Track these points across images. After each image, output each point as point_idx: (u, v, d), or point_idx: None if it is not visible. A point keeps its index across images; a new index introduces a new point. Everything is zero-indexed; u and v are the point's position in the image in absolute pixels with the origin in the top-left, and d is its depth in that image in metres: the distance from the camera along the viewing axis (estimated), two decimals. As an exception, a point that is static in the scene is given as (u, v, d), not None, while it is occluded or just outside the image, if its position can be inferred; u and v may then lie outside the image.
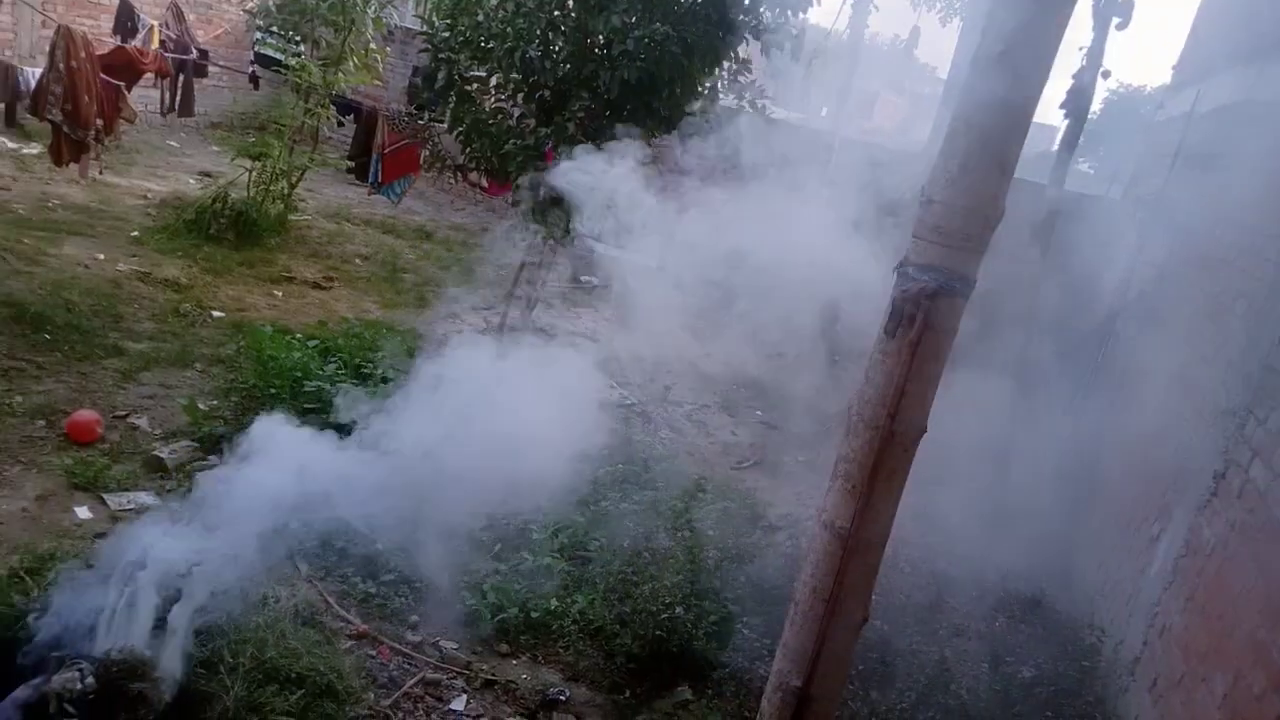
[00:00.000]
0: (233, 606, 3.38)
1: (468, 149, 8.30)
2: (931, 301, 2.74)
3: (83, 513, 5.08)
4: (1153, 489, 5.72)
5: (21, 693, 2.90)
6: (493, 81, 8.38)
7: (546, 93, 8.01)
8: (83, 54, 8.66)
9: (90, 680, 2.95)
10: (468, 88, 8.22)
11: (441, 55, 8.01)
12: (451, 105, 8.16)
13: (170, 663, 3.04)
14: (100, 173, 11.08)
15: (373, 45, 11.42)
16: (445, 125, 8.75)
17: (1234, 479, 4.58)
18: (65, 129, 8.79)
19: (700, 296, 10.46)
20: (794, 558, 5.74)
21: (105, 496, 5.26)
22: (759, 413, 9.05)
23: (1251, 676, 3.74)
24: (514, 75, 7.94)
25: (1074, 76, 8.04)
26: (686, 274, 9.76)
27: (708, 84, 8.44)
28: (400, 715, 4.00)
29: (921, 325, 2.76)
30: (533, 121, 8.18)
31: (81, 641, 3.09)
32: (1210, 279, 5.82)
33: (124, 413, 6.24)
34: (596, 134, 7.91)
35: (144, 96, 12.96)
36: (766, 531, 6.33)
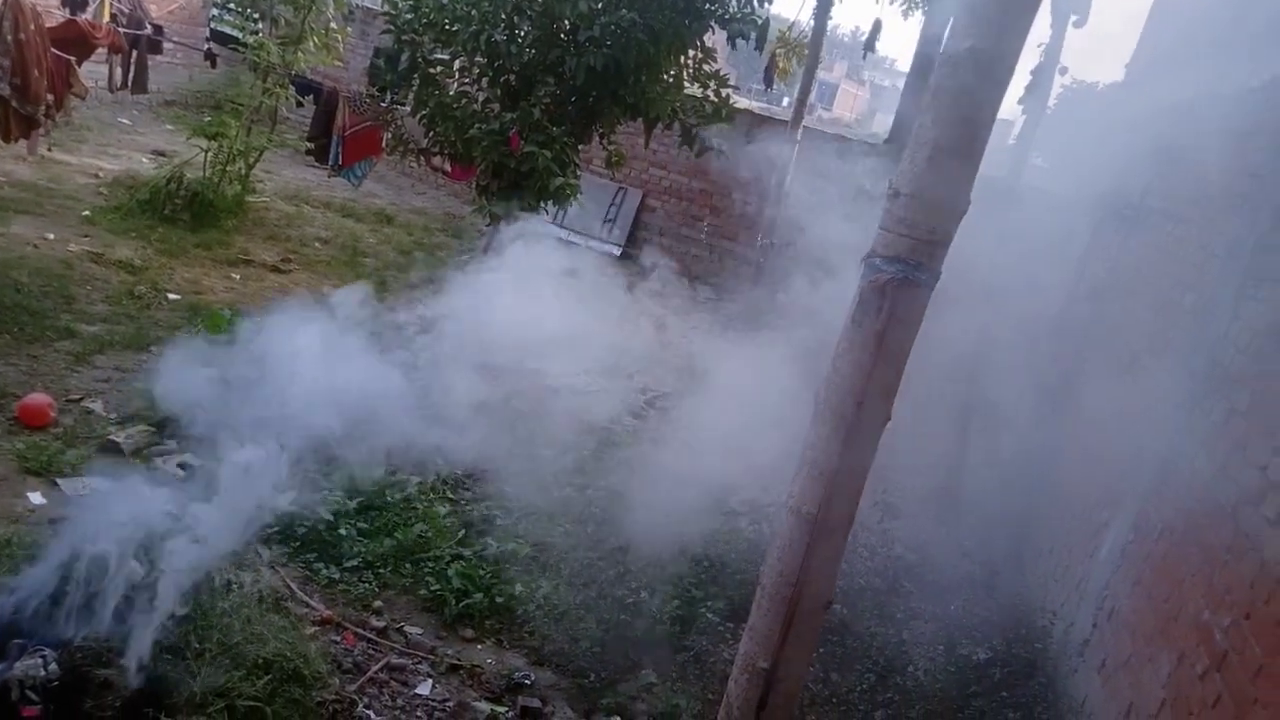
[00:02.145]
0: (198, 592, 3.35)
1: (431, 133, 8.23)
2: (898, 292, 2.80)
3: (36, 498, 4.98)
4: (1103, 476, 5.89)
5: (-18, 680, 2.86)
6: (457, 65, 8.31)
7: (512, 77, 7.98)
8: (32, 26, 8.42)
9: (54, 667, 2.90)
10: (432, 71, 8.15)
11: (405, 37, 7.93)
12: (415, 88, 8.09)
13: (136, 648, 3.00)
14: (49, 149, 10.80)
15: (333, 25, 11.24)
16: (408, 108, 8.67)
17: (1180, 467, 4.74)
18: (14, 104, 8.55)
19: (668, 284, 10.52)
20: (755, 543, 5.83)
21: (59, 481, 5.16)
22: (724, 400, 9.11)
23: (1194, 657, 3.89)
24: (479, 59, 7.90)
25: (1031, 72, 8.20)
26: (652, 260, 9.80)
27: (673, 72, 8.46)
28: (366, 700, 4.00)
29: (887, 315, 2.82)
30: (497, 106, 8.14)
31: (44, 628, 3.04)
32: (1160, 272, 5.99)
33: (77, 396, 6.11)
34: (562, 120, 7.90)
35: (94, 72, 12.62)
36: (729, 517, 6.40)
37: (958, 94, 2.73)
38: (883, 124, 30.28)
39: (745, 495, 6.69)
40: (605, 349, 9.57)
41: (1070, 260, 8.62)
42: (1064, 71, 8.65)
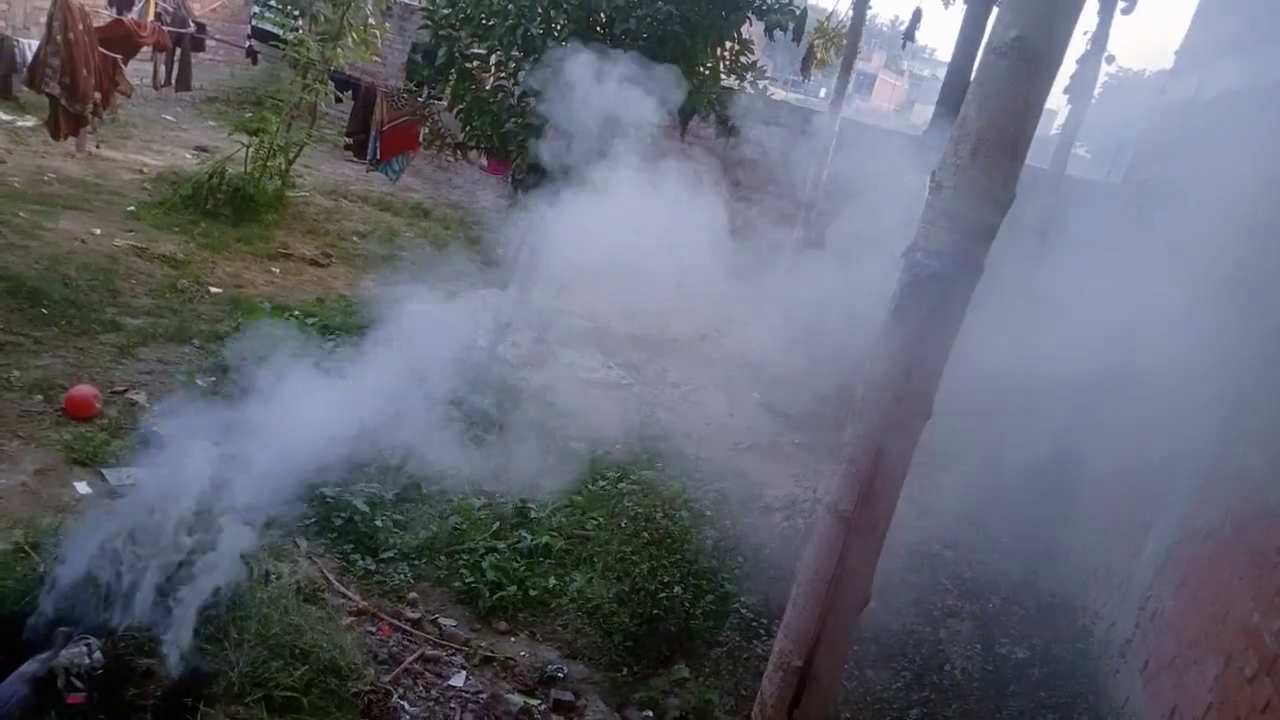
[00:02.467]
0: (237, 582, 3.40)
1: (468, 127, 8.26)
2: (939, 286, 2.74)
3: (82, 488, 5.08)
4: (1146, 475, 5.76)
5: (29, 666, 2.92)
6: (493, 59, 8.32)
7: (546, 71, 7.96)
8: (80, 26, 8.59)
9: (98, 655, 2.96)
10: (468, 65, 8.16)
11: (442, 32, 7.95)
12: (452, 83, 8.11)
13: (177, 638, 3.05)
14: (96, 146, 11.02)
15: (371, 21, 11.34)
16: (445, 103, 8.71)
17: (1229, 465, 4.62)
18: (63, 102, 8.74)
19: (701, 279, 10.46)
20: (790, 538, 5.78)
21: (104, 472, 5.27)
22: (756, 394, 9.08)
23: (1243, 660, 3.79)
24: (515, 53, 7.89)
25: (1078, 61, 8.02)
26: (689, 255, 9.76)
27: (709, 64, 8.40)
28: (401, 690, 4.04)
29: (929, 310, 2.77)
30: (534, 100, 8.14)
31: (90, 616, 3.11)
32: (1209, 265, 5.84)
33: (122, 388, 6.23)
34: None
35: (139, 70, 12.86)
36: (763, 512, 6.36)
37: (1003, 85, 2.67)
38: (922, 114, 29.88)
39: (781, 490, 6.65)
40: (639, 341, 9.58)
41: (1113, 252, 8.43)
42: (1111, 60, 8.46)
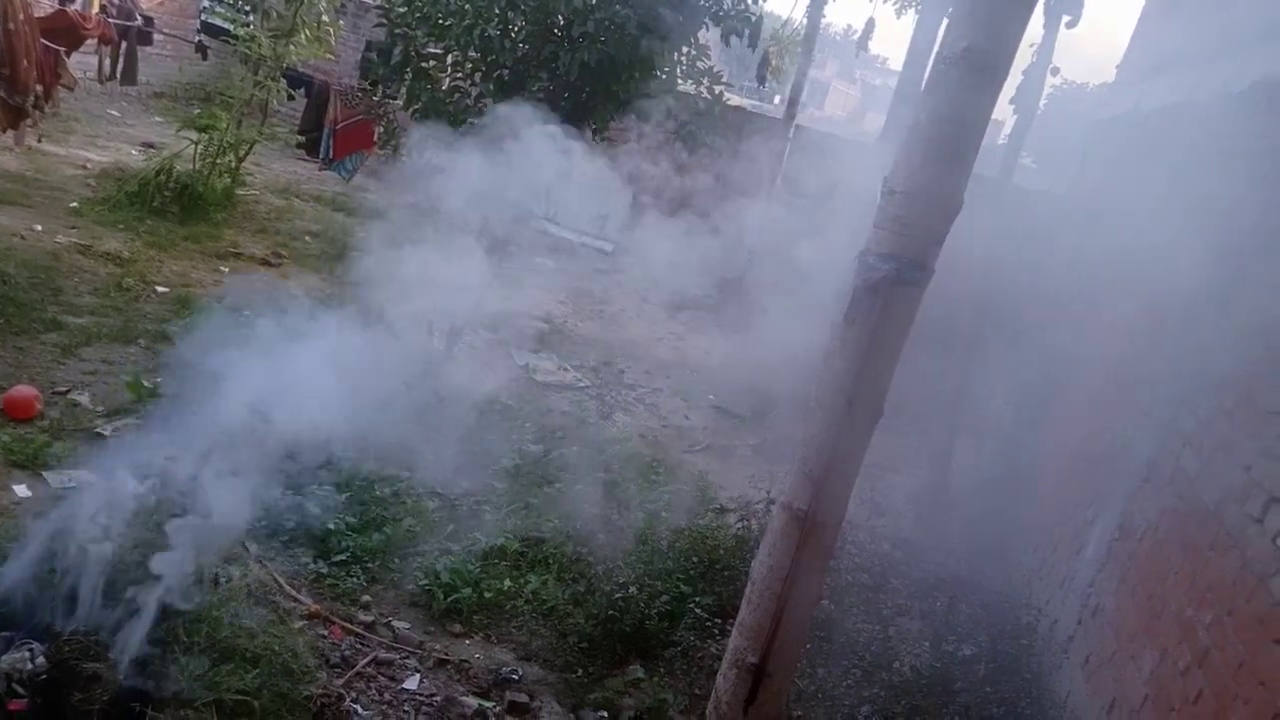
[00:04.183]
0: (187, 586, 3.35)
1: (423, 127, 8.20)
2: (891, 290, 2.81)
3: (21, 490, 4.96)
4: (1088, 475, 5.93)
5: (-31, 673, 2.84)
6: (450, 59, 8.29)
7: (505, 72, 7.95)
8: (21, 16, 8.36)
9: (41, 660, 2.89)
10: (424, 65, 8.11)
11: (398, 31, 7.90)
12: (407, 82, 8.05)
13: (124, 642, 2.99)
14: (38, 140, 10.73)
15: (325, 18, 11.20)
16: (400, 102, 8.64)
17: (1165, 466, 4.78)
18: (2, 94, 8.49)
19: (658, 281, 10.52)
20: (744, 539, 5.84)
21: (45, 474, 5.13)
22: (711, 397, 9.15)
23: (1177, 653, 3.93)
24: (472, 54, 7.87)
25: (1024, 72, 8.23)
26: (643, 256, 9.80)
27: (666, 68, 8.45)
28: (353, 694, 4.00)
29: (881, 313, 2.83)
30: (490, 101, 8.12)
31: (31, 620, 3.03)
32: (1151, 273, 6.03)
33: (64, 389, 6.08)
34: (555, 116, 7.88)
35: (83, 63, 12.52)
36: (717, 513, 6.42)
37: (952, 94, 2.75)
38: (874, 123, 30.36)
39: (735, 491, 6.71)
40: (596, 344, 9.60)
41: (1060, 261, 8.66)
42: (1056, 72, 8.68)
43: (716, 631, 5.00)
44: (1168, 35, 8.16)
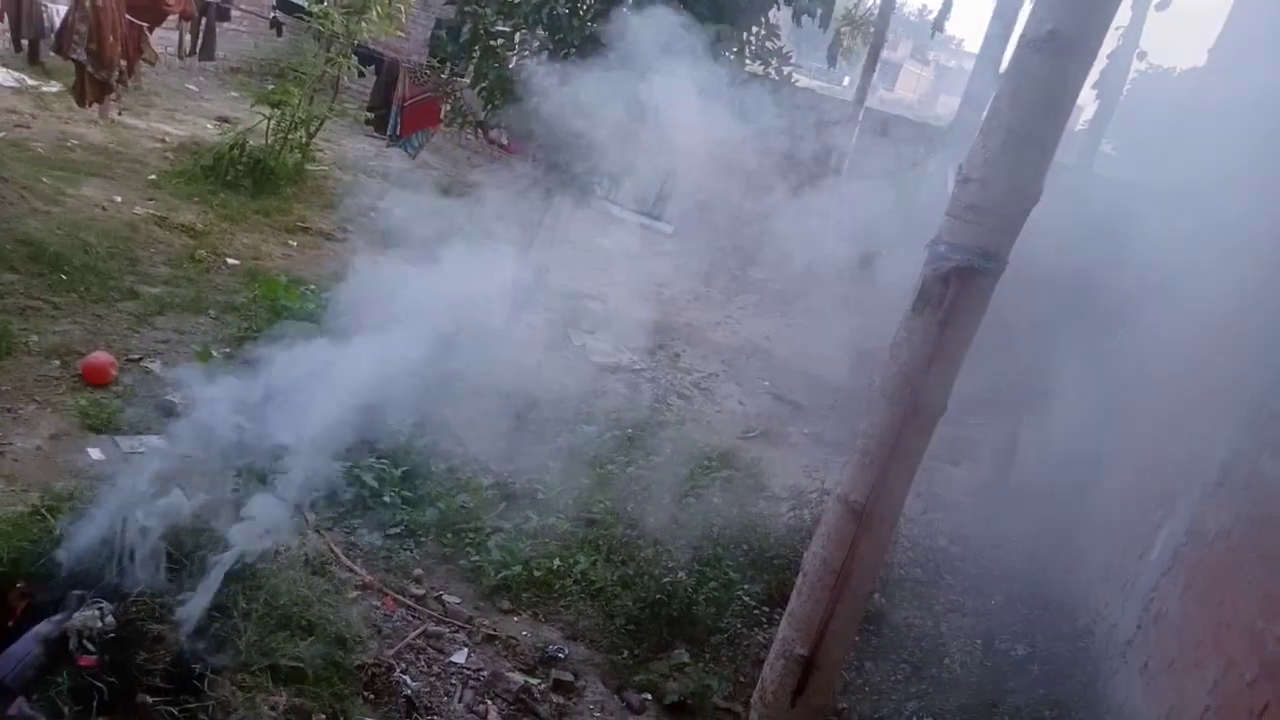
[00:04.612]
0: (250, 554, 3.44)
1: (489, 105, 8.25)
2: (962, 280, 2.72)
3: (95, 454, 5.14)
4: (1158, 476, 5.74)
5: (43, 627, 2.97)
6: (518, 38, 8.29)
7: (573, 51, 7.93)
8: (107, -7, 8.61)
9: (110, 619, 3.01)
10: (492, 43, 8.13)
11: (467, 9, 7.93)
12: (475, 60, 8.09)
13: (188, 606, 3.10)
14: (120, 114, 11.06)
15: (396, -5, 11.31)
16: (468, 80, 8.69)
17: (1242, 470, 4.59)
18: (89, 69, 8.76)
19: (714, 263, 10.46)
20: (796, 529, 5.79)
21: (117, 439, 5.32)
22: (766, 383, 9.07)
23: (1245, 664, 3.79)
24: (540, 32, 7.86)
25: (1109, 56, 7.92)
26: (701, 240, 9.75)
27: (735, 49, 8.34)
28: (403, 665, 4.09)
29: (950, 304, 2.75)
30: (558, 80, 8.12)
31: (103, 580, 3.15)
32: (1235, 270, 5.78)
33: (137, 356, 6.29)
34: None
35: (163, 38, 12.85)
36: (770, 502, 6.38)
37: (1036, 79, 2.65)
38: (947, 106, 29.57)
39: (789, 480, 6.66)
40: (652, 326, 9.58)
41: (1139, 253, 8.35)
42: (1143, 56, 8.36)
43: (764, 620, 4.98)
44: (1270, 19, 7.76)
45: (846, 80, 23.88)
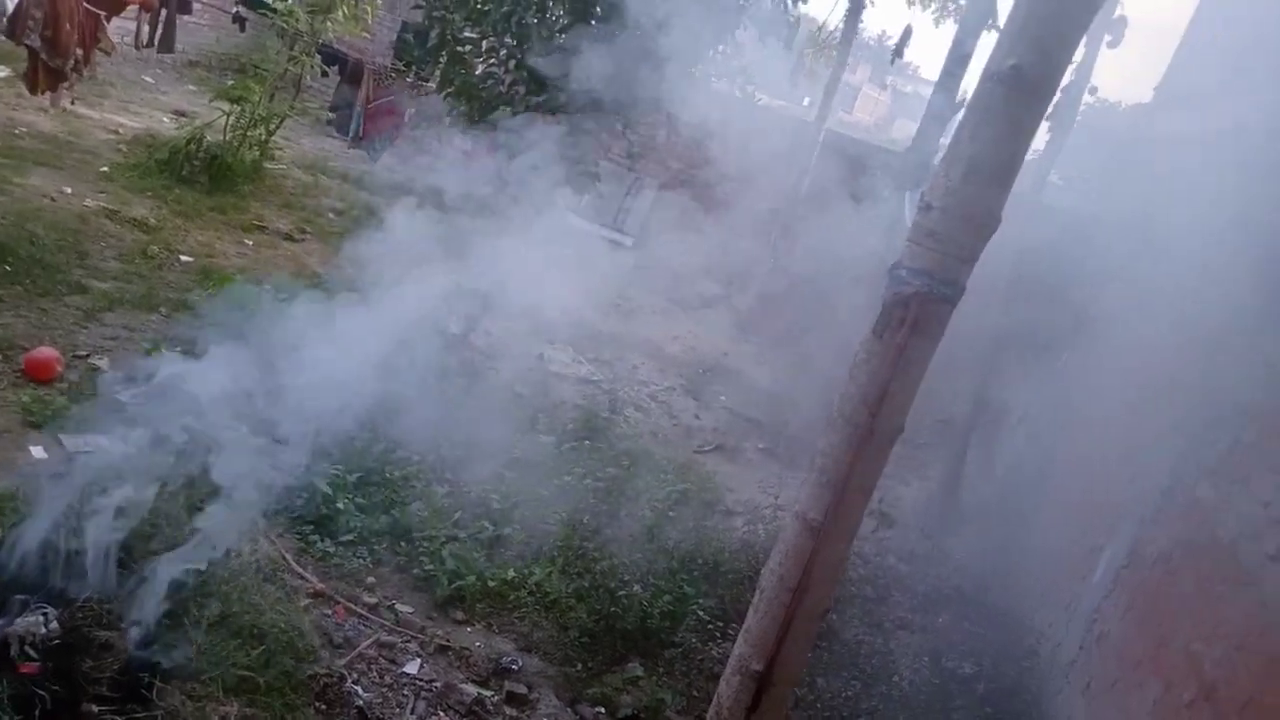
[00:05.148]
0: (199, 559, 3.37)
1: (454, 112, 8.22)
2: (921, 306, 2.78)
3: (38, 452, 4.99)
4: (1102, 499, 5.90)
5: (-17, 633, 2.88)
6: (485, 45, 8.29)
7: (540, 62, 7.95)
8: (64, -21, 8.42)
9: (54, 625, 2.92)
10: (460, 49, 8.12)
11: (435, 13, 7.91)
12: (442, 65, 8.06)
13: (136, 612, 3.02)
14: (72, 103, 10.80)
15: (363, -3, 11.22)
16: (433, 85, 8.66)
17: (1181, 496, 4.74)
18: (43, 56, 8.55)
19: (675, 277, 10.52)
20: (750, 544, 5.85)
21: (62, 437, 5.17)
22: (723, 398, 9.14)
23: (1183, 685, 3.91)
24: (509, 40, 7.86)
25: (1062, 90, 8.16)
26: (663, 254, 9.80)
27: (699, 65, 8.43)
28: (355, 675, 4.03)
29: (910, 328, 2.80)
30: (524, 89, 8.12)
31: (47, 584, 3.06)
32: (1178, 299, 5.98)
33: (85, 353, 6.12)
34: (586, 107, 7.90)
35: (121, 28, 12.59)
36: (724, 516, 6.42)
37: (998, 111, 2.71)
38: (902, 130, 30.15)
39: (744, 495, 6.71)
40: (611, 338, 9.60)
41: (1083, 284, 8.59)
42: (1094, 91, 8.61)
43: (718, 635, 5.01)
44: (1212, 61, 8.06)
45: (807, 101, 24.21)
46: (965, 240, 2.80)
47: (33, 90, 9.01)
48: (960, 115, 3.17)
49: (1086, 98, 9.72)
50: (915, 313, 2.80)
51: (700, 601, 5.25)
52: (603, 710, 4.47)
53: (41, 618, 2.93)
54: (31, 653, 2.82)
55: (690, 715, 4.58)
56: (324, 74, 11.60)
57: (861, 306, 3.72)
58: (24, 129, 9.93)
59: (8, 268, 6.73)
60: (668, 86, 8.22)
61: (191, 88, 14.65)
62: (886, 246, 6.59)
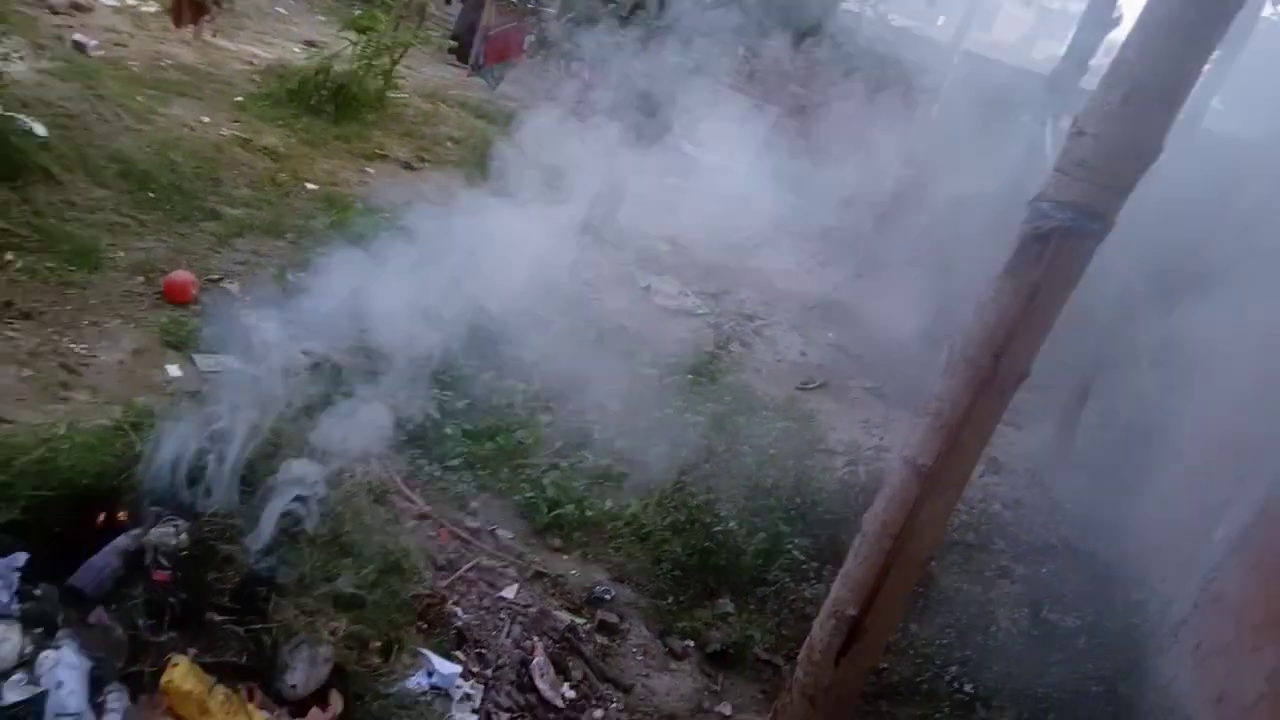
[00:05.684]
0: (318, 480, 3.58)
1: (573, 38, 8.17)
2: (1062, 242, 2.61)
3: (174, 370, 5.35)
4: (1232, 454, 5.55)
5: (122, 541, 3.15)
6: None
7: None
8: (202, -88, 8.69)
9: (184, 538, 3.18)
10: (582, -28, 8.01)
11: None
12: (564, -8, 7.98)
13: (257, 529, 3.25)
14: (212, 35, 11.23)
15: (486, -79, 11.14)
16: (554, 11, 8.59)
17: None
18: (188, -10, 8.90)
19: (787, 210, 10.26)
20: (852, 485, 5.78)
21: (195, 357, 5.53)
22: (830, 334, 8.96)
23: (1305, 656, 3.71)
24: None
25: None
26: (777, 184, 9.58)
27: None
28: (455, 597, 4.24)
29: (1046, 266, 2.65)
30: (645, 14, 7.99)
31: (178, 498, 3.32)
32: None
33: (217, 276, 6.48)
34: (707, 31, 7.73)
35: (253, -41, 12.98)
36: (825, 456, 6.36)
37: (1171, 28, 2.46)
38: (1045, 51, 28.02)
39: (846, 435, 6.62)
40: (719, 270, 9.50)
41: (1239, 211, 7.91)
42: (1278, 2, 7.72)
43: (812, 576, 5.02)
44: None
45: (942, 20, 22.81)
46: (1121, 170, 2.58)
47: (177, 23, 9.43)
48: (1114, 33, 2.91)
49: (1268, 8, 8.72)
50: (1055, 249, 2.63)
51: (795, 541, 5.25)
52: (691, 643, 4.58)
53: (173, 529, 3.19)
54: (164, 561, 3.09)
55: (779, 653, 4.65)
56: (447, 1, 11.64)
57: (989, 242, 3.52)
58: (169, 61, 10.41)
59: (151, 194, 7.16)
60: (793, 7, 7.93)
61: (321, 18, 14.97)
62: (1023, 178, 6.19)
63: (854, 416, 7.04)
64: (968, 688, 4.60)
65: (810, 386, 7.75)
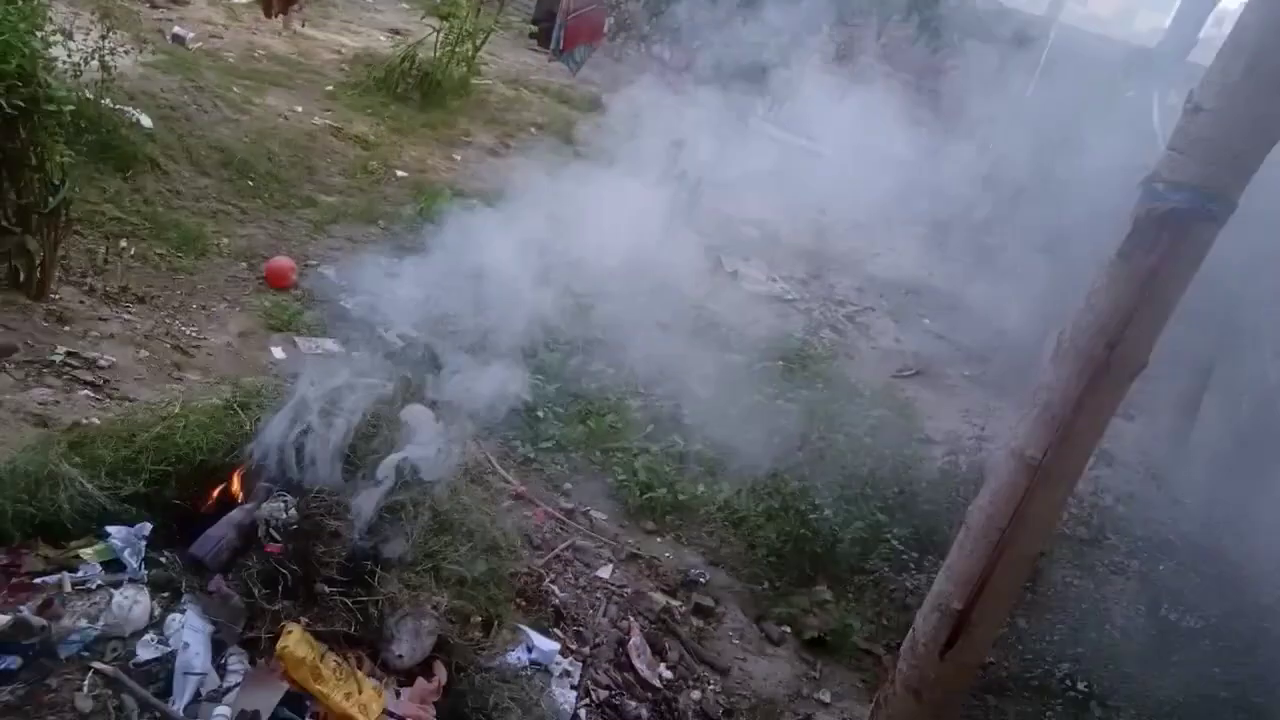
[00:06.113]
0: (421, 460, 3.61)
1: (654, 19, 8.08)
2: (1180, 225, 2.43)
3: (278, 353, 5.50)
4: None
5: (237, 514, 3.23)
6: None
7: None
8: (291, -96, 8.87)
9: (293, 512, 3.23)
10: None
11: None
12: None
13: (362, 506, 3.29)
14: (302, 25, 11.49)
15: (566, -95, 11.11)
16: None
17: None
18: (275, -21, 9.10)
19: (877, 192, 10.00)
20: (951, 475, 5.59)
21: (297, 340, 5.66)
22: (926, 321, 8.70)
23: None
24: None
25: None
26: (866, 165, 9.33)
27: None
28: (552, 576, 4.23)
29: (1164, 250, 2.47)
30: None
31: (286, 475, 3.38)
32: None
33: (314, 262, 6.62)
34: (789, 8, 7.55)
35: (339, -50, 13.22)
36: (923, 445, 6.17)
37: None
38: (1147, 23, 26.79)
39: (945, 424, 6.41)
40: (808, 254, 9.32)
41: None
42: None
43: (912, 565, 4.87)
44: None
45: (1035, -7, 21.94)
46: (1243, 148, 2.39)
47: (268, 14, 9.67)
48: (1224, 3, 2.70)
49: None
50: (1172, 232, 2.45)
51: (894, 530, 5.09)
52: (788, 629, 4.49)
53: (283, 504, 3.24)
54: (275, 535, 3.15)
55: (879, 643, 4.52)
56: (528, -14, 11.68)
57: (1098, 225, 3.34)
58: (261, 51, 10.68)
59: (250, 183, 7.35)
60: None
61: (405, 5, 15.19)
62: (1130, 156, 5.88)
63: (953, 405, 6.81)
64: (1081, 685, 4.39)
65: (906, 374, 7.54)
